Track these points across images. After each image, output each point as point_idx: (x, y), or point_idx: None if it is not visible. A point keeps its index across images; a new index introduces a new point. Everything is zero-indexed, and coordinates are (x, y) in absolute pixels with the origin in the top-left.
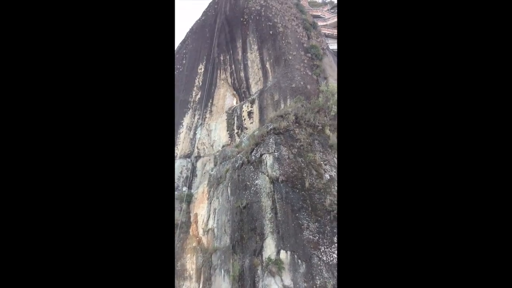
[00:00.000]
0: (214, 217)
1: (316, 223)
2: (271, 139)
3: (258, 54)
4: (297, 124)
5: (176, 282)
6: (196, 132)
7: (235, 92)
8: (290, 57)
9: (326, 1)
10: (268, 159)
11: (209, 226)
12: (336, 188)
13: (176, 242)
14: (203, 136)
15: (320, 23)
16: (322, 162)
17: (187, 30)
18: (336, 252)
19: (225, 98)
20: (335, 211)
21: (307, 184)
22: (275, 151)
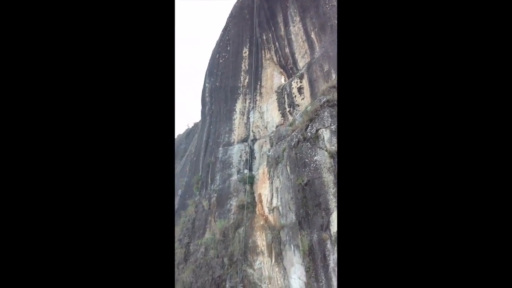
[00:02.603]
0: (277, 195)
1: None
2: (325, 113)
3: (301, 25)
4: None
5: (250, 257)
6: (249, 116)
7: (282, 70)
8: (336, 22)
9: None
10: (325, 134)
11: (274, 204)
12: None
13: (244, 221)
14: (256, 119)
15: None
16: None
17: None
18: None
19: (273, 77)
20: None
21: None
22: (331, 124)
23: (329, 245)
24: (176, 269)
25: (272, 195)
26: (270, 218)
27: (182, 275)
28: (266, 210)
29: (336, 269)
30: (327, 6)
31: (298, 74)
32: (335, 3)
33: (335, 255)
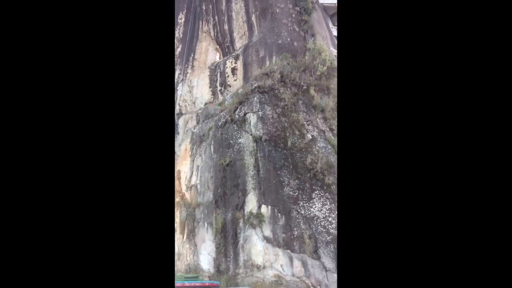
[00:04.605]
0: (197, 174)
1: (297, 180)
2: (255, 98)
3: (243, 4)
4: (282, 83)
5: None
6: (177, 88)
7: (218, 47)
8: (277, 10)
9: None
10: (252, 118)
11: (192, 182)
12: (317, 147)
13: None
14: (185, 92)
15: None
16: (305, 122)
17: None
18: (313, 206)
19: (207, 52)
20: (315, 169)
21: (289, 144)
22: (259, 110)
23: (241, 224)
24: None
25: (192, 173)
26: (187, 195)
27: None
28: (184, 187)
29: (244, 245)
30: None
31: (234, 54)
32: None
33: (246, 233)
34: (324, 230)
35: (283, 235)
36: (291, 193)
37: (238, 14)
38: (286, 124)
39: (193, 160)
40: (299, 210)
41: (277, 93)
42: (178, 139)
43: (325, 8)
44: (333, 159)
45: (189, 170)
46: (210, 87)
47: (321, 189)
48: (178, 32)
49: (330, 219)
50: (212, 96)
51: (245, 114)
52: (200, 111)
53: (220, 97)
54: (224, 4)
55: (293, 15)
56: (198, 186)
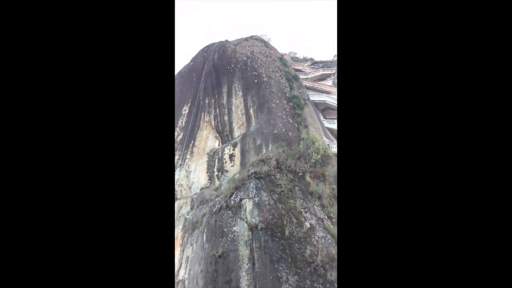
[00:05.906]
0: (186, 266)
1: (296, 276)
2: (251, 183)
3: (242, 100)
4: (278, 169)
5: None
6: (175, 173)
7: (217, 135)
8: (273, 105)
9: (307, 57)
10: (248, 204)
11: (180, 277)
12: (316, 237)
13: None
14: (182, 177)
15: (301, 76)
16: (302, 210)
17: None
18: None
19: (207, 140)
20: (315, 263)
21: (287, 233)
22: (255, 196)
23: None
24: None
25: (181, 265)
26: None
27: None
28: None
29: None
30: (267, 90)
31: (233, 142)
32: (274, 90)
33: None
34: None
35: None
36: None
37: (238, 108)
38: (283, 211)
39: (183, 250)
40: None
41: (274, 179)
42: None
43: (315, 103)
44: (334, 251)
45: (178, 262)
46: (207, 172)
47: (324, 287)
48: (181, 122)
49: None
50: (209, 181)
51: (241, 200)
52: (195, 196)
53: (217, 182)
54: (225, 99)
55: (287, 109)
56: (186, 282)
